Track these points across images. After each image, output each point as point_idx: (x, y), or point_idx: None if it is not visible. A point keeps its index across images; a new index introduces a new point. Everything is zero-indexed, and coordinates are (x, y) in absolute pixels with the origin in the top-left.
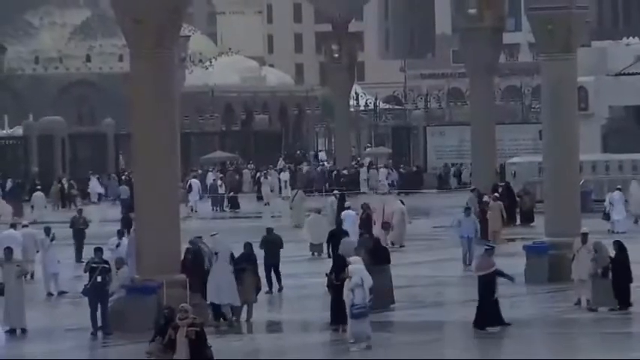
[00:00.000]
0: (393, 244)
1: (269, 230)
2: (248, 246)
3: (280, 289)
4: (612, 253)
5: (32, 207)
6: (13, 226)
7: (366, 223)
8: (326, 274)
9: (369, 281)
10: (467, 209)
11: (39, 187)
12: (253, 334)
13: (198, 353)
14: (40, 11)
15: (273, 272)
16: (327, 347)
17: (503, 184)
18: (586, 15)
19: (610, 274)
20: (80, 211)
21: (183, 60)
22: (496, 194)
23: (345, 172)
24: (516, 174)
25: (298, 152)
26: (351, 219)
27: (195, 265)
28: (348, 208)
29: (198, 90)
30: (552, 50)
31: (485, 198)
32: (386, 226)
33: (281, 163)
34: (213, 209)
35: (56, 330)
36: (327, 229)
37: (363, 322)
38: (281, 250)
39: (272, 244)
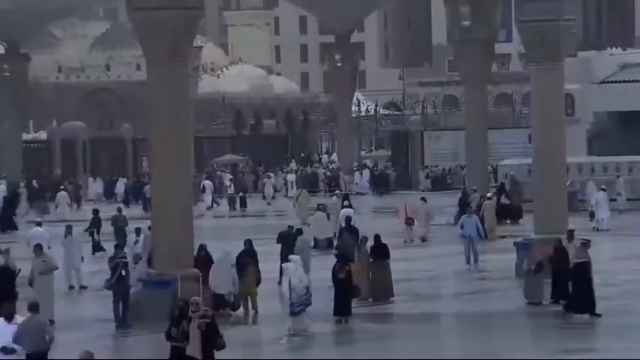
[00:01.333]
0: (423, 240)
1: (289, 227)
2: (248, 242)
3: None
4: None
5: (56, 206)
6: (39, 224)
7: None
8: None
9: (305, 279)
10: (469, 209)
11: (63, 187)
12: (259, 325)
13: (210, 343)
14: (62, 23)
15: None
16: (330, 337)
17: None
18: (572, 27)
19: (543, 271)
20: (120, 210)
21: (196, 69)
22: (489, 194)
23: (328, 173)
24: (507, 175)
25: (302, 155)
26: (350, 216)
27: (207, 261)
28: (348, 206)
29: (210, 97)
30: (541, 60)
31: (504, 199)
32: (409, 222)
33: (293, 164)
34: (229, 208)
35: (78, 321)
36: (330, 226)
37: (302, 318)
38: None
39: (287, 239)
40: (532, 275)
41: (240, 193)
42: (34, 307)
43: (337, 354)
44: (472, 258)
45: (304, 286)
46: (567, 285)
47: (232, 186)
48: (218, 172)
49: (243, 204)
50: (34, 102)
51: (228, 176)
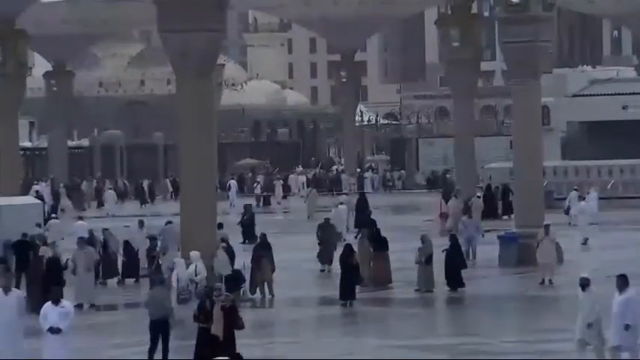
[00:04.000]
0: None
1: (326, 220)
2: (263, 236)
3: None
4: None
5: (104, 203)
6: (81, 218)
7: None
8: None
9: (204, 272)
10: (468, 210)
11: (111, 187)
12: (274, 308)
13: (232, 323)
14: (103, 45)
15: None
16: (336, 319)
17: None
18: (548, 47)
19: (432, 262)
20: None
21: (219, 84)
22: (478, 194)
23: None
24: (492, 177)
25: (313, 159)
26: (344, 213)
27: (228, 251)
28: (341, 203)
29: (231, 108)
30: (521, 76)
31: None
32: (444, 215)
33: (319, 166)
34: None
35: (117, 304)
36: (346, 219)
37: (187, 307)
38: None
39: (325, 229)
40: (423, 266)
41: (265, 193)
42: (161, 281)
43: (343, 333)
44: (471, 254)
45: (203, 277)
46: (460, 274)
47: (258, 187)
48: (250, 174)
49: (268, 202)
50: (78, 113)
51: (261, 177)
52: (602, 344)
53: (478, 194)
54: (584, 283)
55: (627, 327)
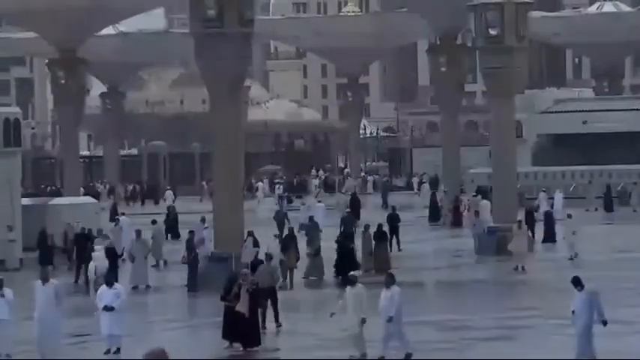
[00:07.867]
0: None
1: (348, 212)
2: (291, 230)
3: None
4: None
5: (165, 200)
6: (123, 214)
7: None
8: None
9: (102, 271)
10: (476, 212)
11: (169, 187)
12: (294, 290)
13: (256, 303)
14: (149, 70)
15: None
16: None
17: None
18: (521, 72)
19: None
20: (284, 204)
21: (246, 103)
22: (480, 195)
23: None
24: (473, 180)
25: (328, 165)
26: (321, 210)
27: (254, 242)
28: (320, 202)
29: (256, 123)
30: (498, 96)
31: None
32: (476, 214)
33: (346, 173)
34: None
35: (164, 286)
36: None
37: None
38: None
39: (348, 221)
40: (312, 258)
41: (286, 193)
42: (269, 257)
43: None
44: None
45: (102, 274)
46: (350, 262)
47: (281, 188)
48: (276, 179)
49: (290, 201)
50: (128, 127)
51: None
52: (403, 337)
53: (480, 195)
54: (389, 282)
55: (390, 319)
